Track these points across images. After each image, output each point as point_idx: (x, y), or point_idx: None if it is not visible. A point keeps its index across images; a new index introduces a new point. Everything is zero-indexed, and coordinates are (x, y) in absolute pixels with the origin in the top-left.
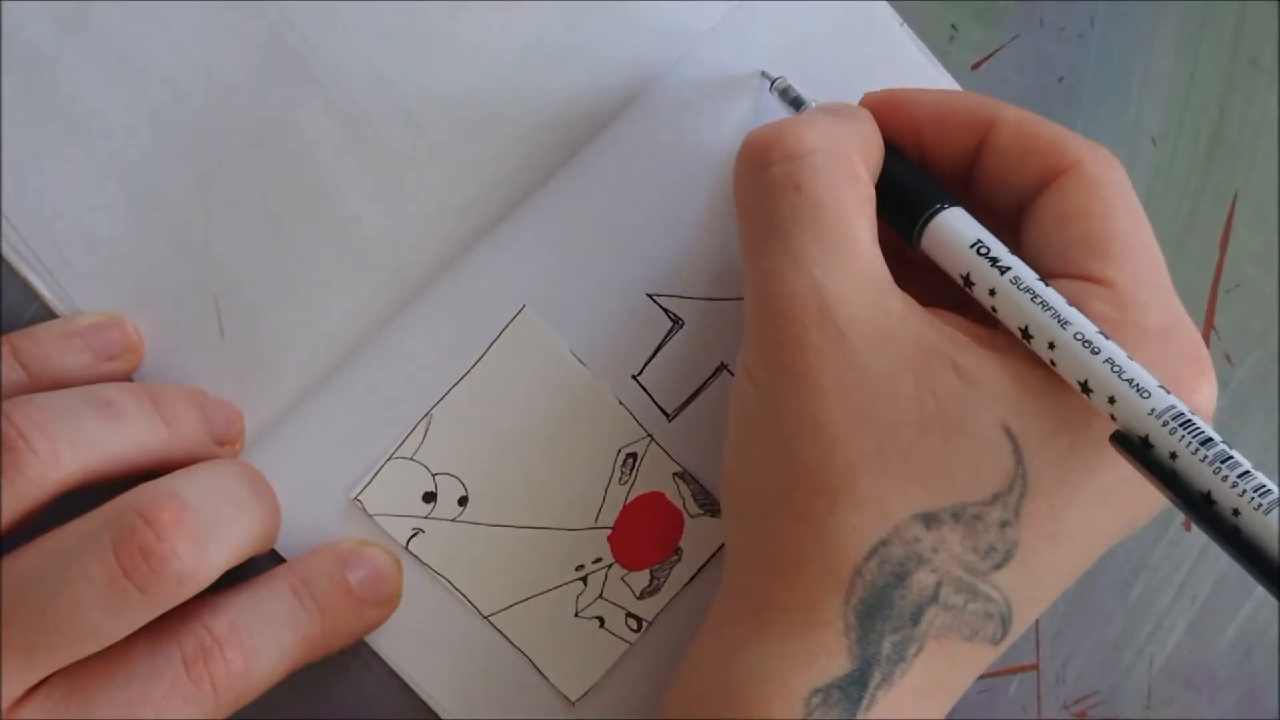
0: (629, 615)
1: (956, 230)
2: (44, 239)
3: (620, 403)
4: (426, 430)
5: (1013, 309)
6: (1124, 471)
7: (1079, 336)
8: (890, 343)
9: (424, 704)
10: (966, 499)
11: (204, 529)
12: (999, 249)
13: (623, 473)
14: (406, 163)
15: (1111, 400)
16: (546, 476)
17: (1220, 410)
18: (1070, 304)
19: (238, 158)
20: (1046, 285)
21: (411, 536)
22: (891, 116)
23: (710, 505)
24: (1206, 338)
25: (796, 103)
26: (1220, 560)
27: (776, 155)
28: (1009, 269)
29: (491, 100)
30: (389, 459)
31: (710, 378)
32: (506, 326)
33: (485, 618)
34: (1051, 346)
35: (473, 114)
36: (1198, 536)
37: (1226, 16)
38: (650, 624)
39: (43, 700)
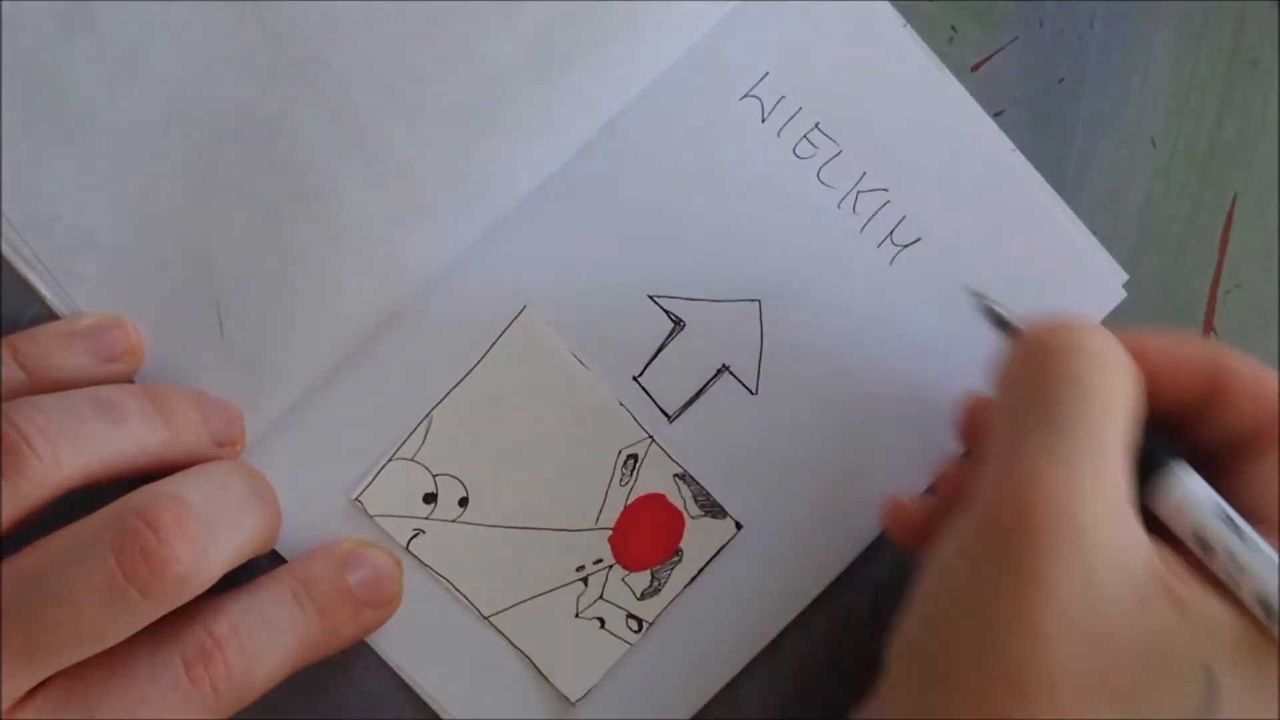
0: (629, 616)
1: (1196, 491)
2: (44, 239)
3: (621, 404)
4: (427, 431)
5: (1256, 576)
6: None
7: None
8: (1123, 564)
9: (424, 704)
10: None
11: (205, 531)
12: (1235, 515)
13: (623, 474)
14: (406, 163)
15: None
16: (547, 477)
17: None
18: None
19: (238, 158)
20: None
21: (412, 537)
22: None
23: (711, 506)
24: (1206, 338)
25: (1001, 323)
26: None
27: (1068, 348)
28: (1249, 538)
29: (491, 100)
30: (389, 460)
31: (711, 379)
32: (507, 327)
33: (486, 618)
34: None
35: (473, 114)
36: None
37: (1226, 16)
38: (651, 625)
39: (43, 702)
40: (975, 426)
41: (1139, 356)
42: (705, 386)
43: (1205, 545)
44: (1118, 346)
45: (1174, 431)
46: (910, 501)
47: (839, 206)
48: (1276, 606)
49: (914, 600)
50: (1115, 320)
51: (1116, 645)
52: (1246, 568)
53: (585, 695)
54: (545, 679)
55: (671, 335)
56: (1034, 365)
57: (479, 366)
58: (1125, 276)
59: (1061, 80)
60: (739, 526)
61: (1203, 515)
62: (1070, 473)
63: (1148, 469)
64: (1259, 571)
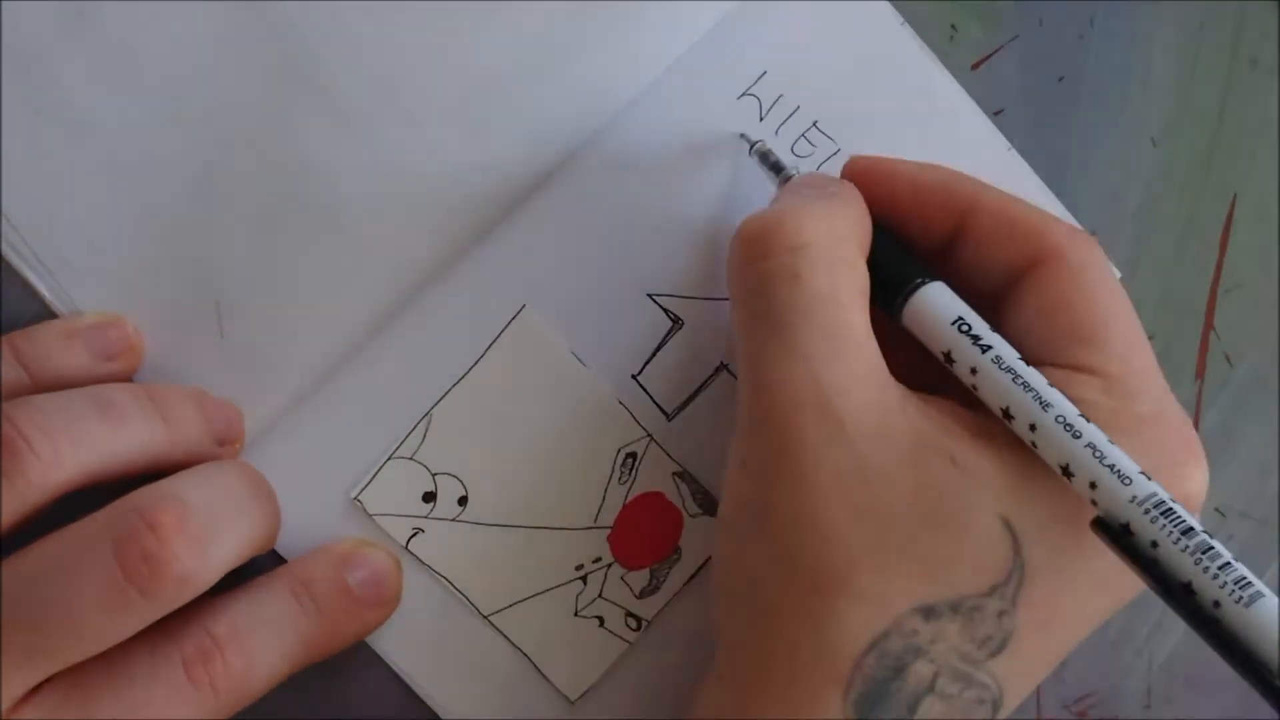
0: (629, 614)
1: (938, 306)
2: (44, 239)
3: (620, 402)
4: (426, 430)
5: (994, 389)
6: (1116, 556)
7: (1060, 419)
8: (888, 437)
9: (424, 703)
10: (965, 591)
11: (205, 531)
12: (980, 326)
13: (622, 472)
14: (406, 162)
15: (1093, 485)
16: (546, 476)
17: (1219, 411)
18: (1050, 383)
19: (238, 157)
20: (1028, 366)
21: (411, 536)
22: (873, 187)
23: (710, 504)
24: (1206, 338)
25: (776, 167)
26: None
27: (775, 246)
28: (990, 347)
29: (491, 100)
30: (389, 459)
31: (710, 378)
32: (506, 326)
33: (485, 617)
34: (1033, 429)
35: (473, 114)
36: None
37: (1226, 16)
38: (650, 623)
39: (43, 702)
40: None
41: (889, 188)
42: (704, 385)
43: (949, 358)
44: (824, 218)
45: (943, 270)
46: None
47: None
48: (1016, 414)
49: (719, 529)
50: None
51: (901, 518)
52: (981, 375)
53: (584, 694)
54: (544, 678)
55: (670, 334)
56: (746, 270)
57: (478, 365)
58: (1119, 275)
59: (1061, 80)
60: None
61: (939, 328)
62: (811, 368)
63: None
64: (994, 378)
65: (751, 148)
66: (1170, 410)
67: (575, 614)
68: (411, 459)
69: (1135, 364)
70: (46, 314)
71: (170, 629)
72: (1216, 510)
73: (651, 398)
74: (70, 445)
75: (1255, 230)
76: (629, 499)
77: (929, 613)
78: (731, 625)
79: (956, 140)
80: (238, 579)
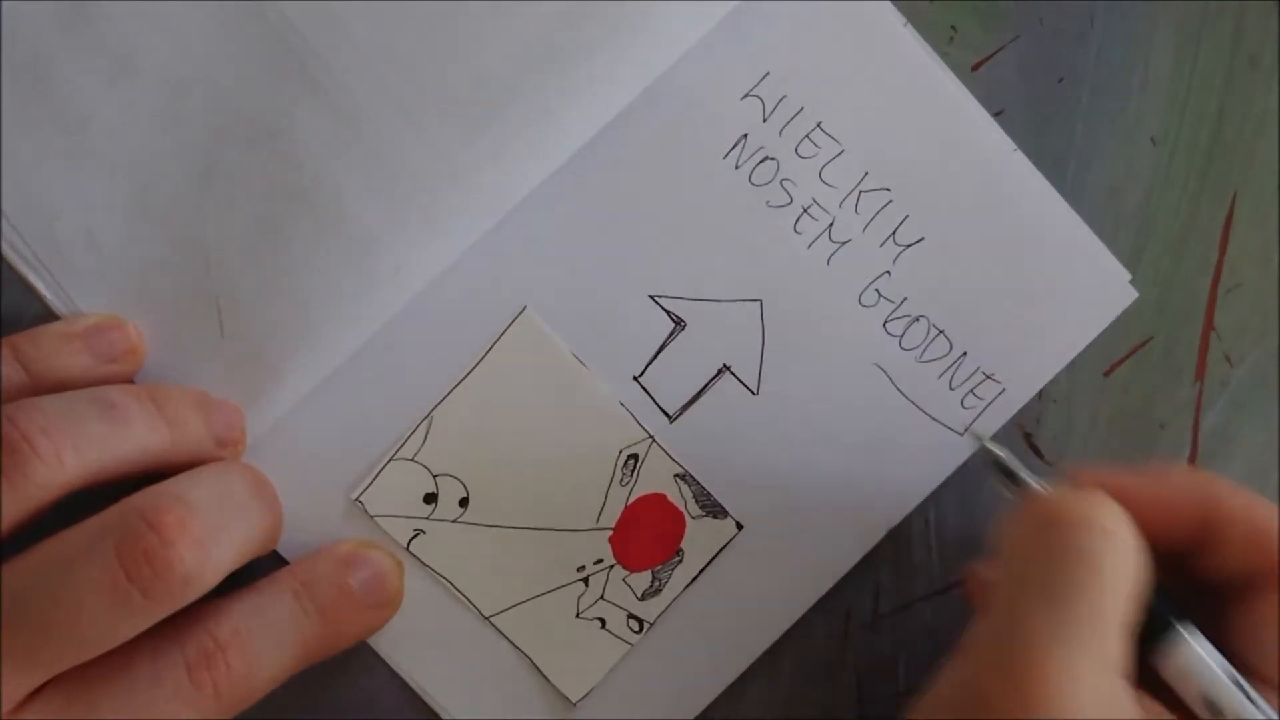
0: (630, 616)
1: (1205, 656)
2: (44, 239)
3: (621, 404)
4: (427, 431)
5: None
6: None
7: None
8: None
9: (425, 704)
10: None
11: (207, 532)
12: (1246, 684)
13: (624, 474)
14: (406, 162)
15: None
16: (547, 478)
17: (1219, 411)
18: None
19: (237, 157)
20: None
21: (413, 538)
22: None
23: (712, 506)
24: (1206, 338)
25: (1012, 477)
26: None
27: (1077, 519)
28: (1257, 703)
29: (491, 100)
30: (390, 460)
31: (712, 379)
32: (507, 328)
33: (486, 619)
34: None
35: (473, 114)
36: None
37: (1226, 16)
38: (651, 625)
39: (45, 704)
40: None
41: (1124, 499)
42: (706, 386)
43: (1214, 708)
44: (1127, 522)
45: (1169, 567)
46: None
47: (841, 206)
48: None
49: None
50: (1115, 322)
51: None
52: None
53: (586, 696)
54: (546, 679)
55: (672, 335)
56: (1043, 534)
57: (479, 367)
58: (1129, 275)
59: (1061, 80)
60: (740, 526)
61: (1212, 680)
62: (1070, 656)
63: (1154, 629)
64: None
65: (993, 462)
66: None
67: (577, 615)
68: (413, 460)
69: None
70: (47, 315)
71: (172, 631)
72: None
73: (653, 399)
74: (72, 446)
75: (1255, 230)
76: (631, 501)
77: None
78: None
79: (960, 141)
80: (240, 580)
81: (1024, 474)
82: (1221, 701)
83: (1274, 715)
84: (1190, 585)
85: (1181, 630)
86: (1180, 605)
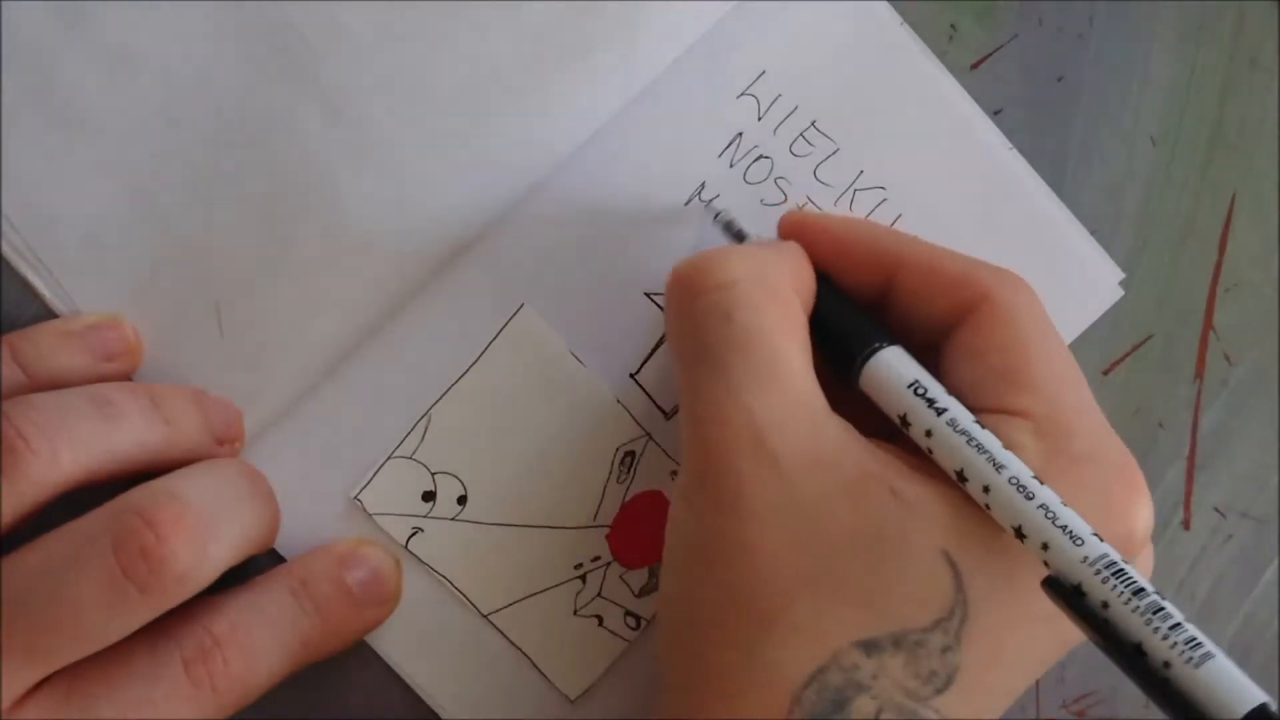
0: (628, 613)
1: (894, 370)
2: (44, 239)
3: (618, 401)
4: (426, 429)
5: (948, 452)
6: None
7: (1013, 481)
8: (826, 468)
9: (423, 703)
10: (908, 626)
11: (204, 529)
12: (936, 390)
13: (621, 471)
14: (406, 162)
15: (1045, 547)
16: (545, 475)
17: (1219, 410)
18: (1003, 444)
19: (237, 157)
20: (982, 428)
21: (411, 536)
22: (804, 242)
23: None
24: (1205, 338)
25: (739, 236)
26: (1220, 559)
27: (705, 285)
28: (945, 410)
29: (491, 100)
30: (388, 458)
31: None
32: (505, 325)
33: (484, 616)
34: (986, 490)
35: (472, 114)
36: (1196, 536)
37: (1226, 16)
38: (649, 622)
39: (43, 700)
40: None
41: (814, 245)
42: None
43: (904, 421)
44: (756, 259)
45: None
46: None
47: (836, 204)
48: (970, 476)
49: (663, 562)
50: (1115, 321)
51: (840, 549)
52: (936, 438)
53: (584, 693)
54: (544, 677)
55: None
56: (680, 309)
57: (477, 364)
58: (1121, 274)
59: (1061, 79)
60: None
61: (895, 391)
62: (744, 402)
63: (855, 354)
64: (949, 442)
65: (715, 217)
66: (1108, 448)
67: (574, 613)
68: (411, 458)
69: (1068, 403)
70: (46, 314)
71: (170, 628)
72: (1216, 510)
73: (650, 397)
74: (69, 444)
75: (1255, 230)
76: (628, 498)
77: (870, 647)
78: (673, 663)
79: (955, 140)
80: (237, 578)
81: (745, 230)
82: (904, 410)
83: (957, 407)
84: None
85: (874, 349)
86: (886, 331)
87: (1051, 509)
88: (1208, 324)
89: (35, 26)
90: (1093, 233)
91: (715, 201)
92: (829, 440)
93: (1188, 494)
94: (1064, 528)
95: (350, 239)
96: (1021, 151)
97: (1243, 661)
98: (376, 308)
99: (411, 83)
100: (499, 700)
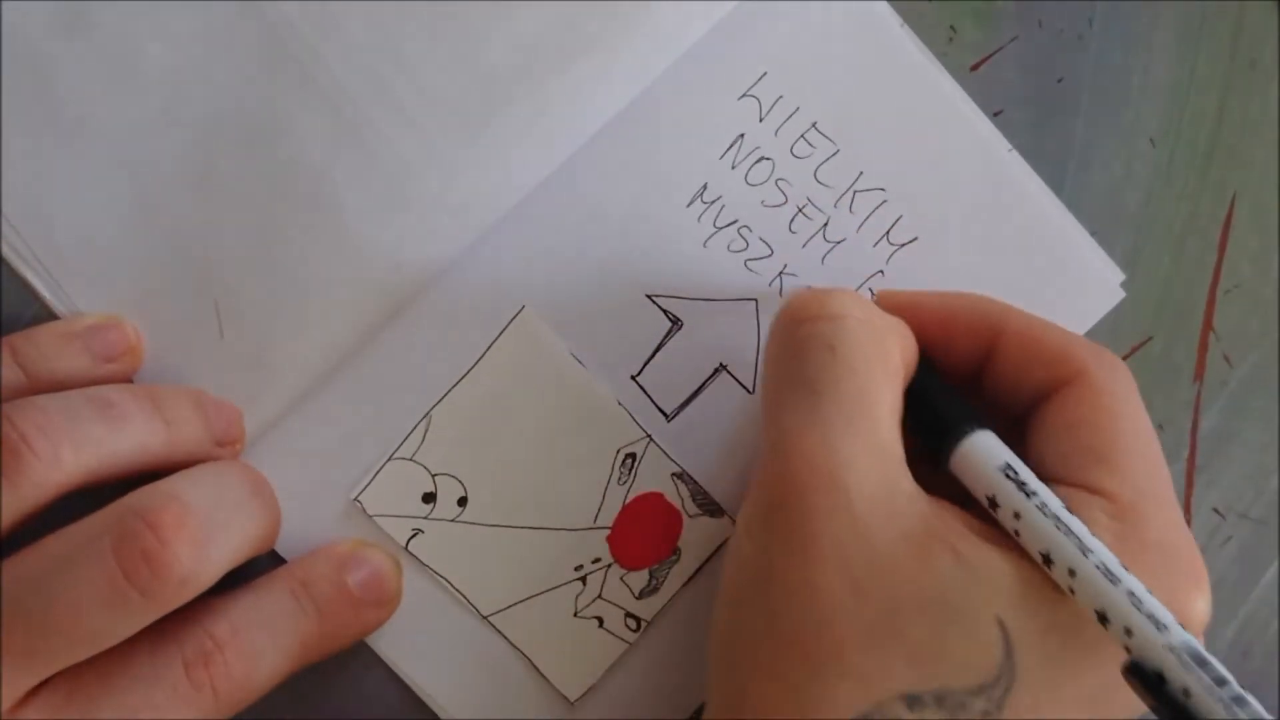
0: (628, 615)
1: (987, 453)
2: (44, 239)
3: (619, 403)
4: (426, 431)
5: (1036, 534)
6: (1108, 677)
7: (1100, 566)
8: (896, 519)
9: (423, 704)
10: (952, 685)
11: (205, 531)
12: (1027, 474)
13: (622, 473)
14: (405, 163)
15: (1128, 632)
16: (545, 477)
17: (1219, 411)
18: (1085, 526)
19: (237, 158)
20: (1071, 514)
21: (411, 537)
22: (904, 317)
23: (709, 505)
24: (1205, 339)
25: None
26: (1219, 560)
27: (816, 313)
28: (1035, 494)
29: (491, 100)
30: (388, 459)
31: (709, 378)
32: (506, 327)
33: (485, 618)
34: (1071, 574)
35: (471, 114)
36: (1196, 536)
37: (1226, 17)
38: (649, 624)
39: (44, 703)
40: None
41: (915, 318)
42: (703, 385)
43: (993, 503)
44: (869, 306)
45: (973, 391)
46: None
47: (836, 205)
48: (1056, 559)
49: (720, 590)
50: (1114, 322)
51: (897, 598)
52: (1024, 520)
53: (584, 695)
54: (544, 678)
55: (669, 334)
56: (784, 334)
57: (477, 366)
58: (1122, 276)
59: (1061, 80)
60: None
61: (986, 473)
62: (828, 437)
63: (950, 434)
64: (1037, 525)
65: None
66: (1180, 540)
67: (575, 614)
68: (411, 460)
69: (1149, 489)
70: (46, 314)
71: (171, 630)
72: (1215, 510)
73: (651, 398)
74: (70, 446)
75: (1255, 230)
76: (628, 500)
77: (913, 701)
78: (719, 691)
79: (955, 141)
80: (237, 579)
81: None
82: (994, 491)
83: (1046, 492)
84: (1000, 415)
85: (966, 428)
86: (980, 414)
87: (1137, 595)
88: (1207, 325)
89: (35, 27)
90: (1092, 234)
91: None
92: (902, 492)
93: (1188, 495)
94: (1149, 615)
95: (350, 240)
96: (1021, 153)
97: (1243, 662)
98: (376, 309)
99: (411, 84)
100: (499, 702)
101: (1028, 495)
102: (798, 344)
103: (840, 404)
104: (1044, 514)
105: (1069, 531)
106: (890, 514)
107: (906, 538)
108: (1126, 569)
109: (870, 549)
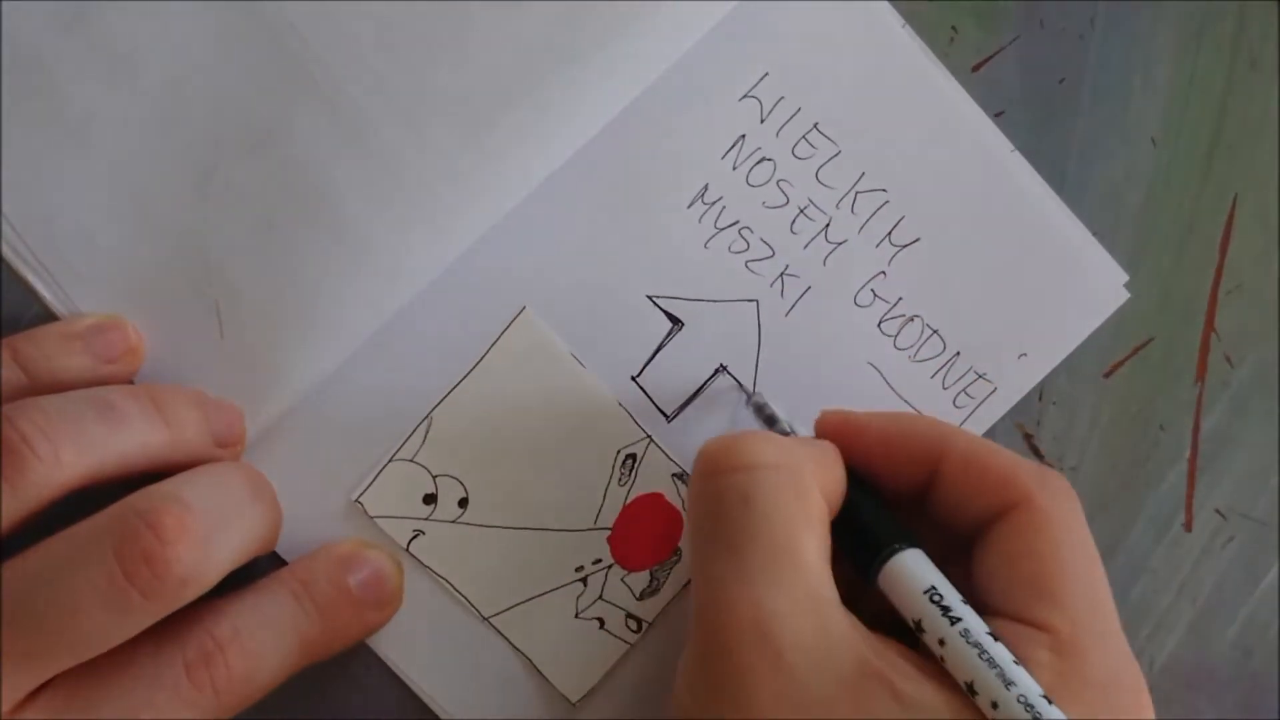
0: (629, 616)
1: (912, 574)
2: (44, 239)
3: (619, 404)
4: (427, 432)
5: (960, 662)
6: None
7: (1022, 700)
8: (830, 664)
9: (424, 705)
10: None
11: (206, 533)
12: (952, 598)
13: (622, 474)
14: (406, 163)
15: None
16: (546, 478)
17: (1219, 412)
18: (1015, 659)
19: (237, 158)
20: (995, 641)
21: (412, 538)
22: (844, 441)
23: None
24: (1206, 339)
25: (770, 420)
26: (1220, 561)
27: (729, 464)
28: (959, 620)
29: (491, 101)
30: (389, 461)
31: (709, 379)
32: (507, 328)
33: (485, 619)
34: (995, 706)
35: (472, 114)
36: (1198, 537)
37: (1226, 17)
38: (650, 625)
39: (45, 704)
40: None
41: (860, 440)
42: (703, 386)
43: (919, 627)
44: (783, 447)
45: (921, 512)
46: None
47: (837, 206)
48: (980, 689)
49: None
50: (1116, 323)
51: None
52: (949, 647)
53: (585, 695)
54: (545, 679)
55: (670, 335)
56: (700, 487)
57: (478, 367)
58: (1126, 277)
59: (1061, 80)
60: None
61: (911, 597)
62: (754, 592)
63: (877, 554)
64: (960, 653)
65: (748, 400)
66: (1123, 673)
67: (576, 616)
68: (412, 461)
69: (1090, 624)
70: (46, 315)
71: (172, 631)
72: (1217, 512)
73: (651, 399)
74: (71, 447)
75: (1255, 231)
76: (629, 500)
77: None
78: None
79: (957, 142)
80: (239, 580)
81: (777, 415)
82: (920, 616)
83: (972, 617)
84: (947, 536)
85: (895, 549)
86: (909, 533)
87: None
88: (1209, 326)
89: (35, 27)
90: (1093, 234)
91: (754, 390)
92: (834, 636)
93: (1189, 496)
94: None
95: (350, 239)
96: (1023, 153)
97: (1243, 662)
98: (377, 309)
99: (411, 84)
100: (500, 703)
101: (951, 621)
102: (713, 498)
103: (761, 557)
104: (967, 641)
105: (992, 661)
106: (824, 661)
107: (841, 682)
108: (1051, 702)
109: (807, 698)
